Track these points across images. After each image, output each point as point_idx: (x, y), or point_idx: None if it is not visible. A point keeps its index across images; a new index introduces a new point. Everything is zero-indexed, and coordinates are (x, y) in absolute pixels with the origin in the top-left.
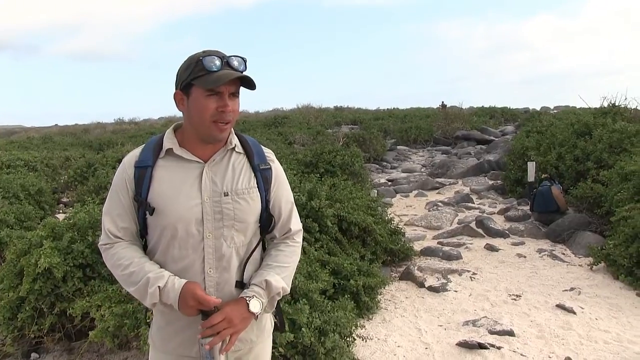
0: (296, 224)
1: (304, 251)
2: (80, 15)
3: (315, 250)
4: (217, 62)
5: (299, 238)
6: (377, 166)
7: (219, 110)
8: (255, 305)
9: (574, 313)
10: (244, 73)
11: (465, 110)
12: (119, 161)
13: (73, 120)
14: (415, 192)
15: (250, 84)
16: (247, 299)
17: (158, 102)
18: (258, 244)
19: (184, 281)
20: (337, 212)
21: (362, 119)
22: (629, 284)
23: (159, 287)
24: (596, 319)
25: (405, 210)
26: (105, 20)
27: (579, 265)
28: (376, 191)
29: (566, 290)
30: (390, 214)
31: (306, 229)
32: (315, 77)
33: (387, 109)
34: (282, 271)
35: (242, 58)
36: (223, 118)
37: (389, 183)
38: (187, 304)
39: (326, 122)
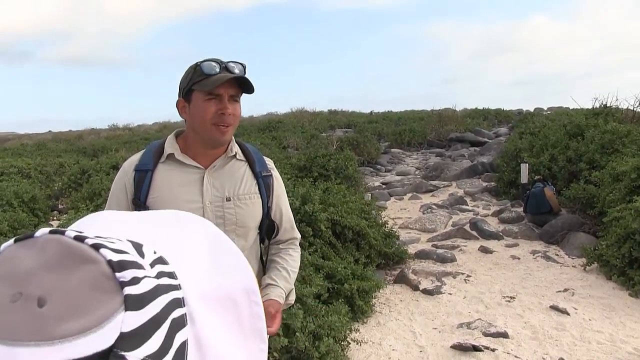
0: (297, 232)
1: None
2: (73, 21)
3: (309, 254)
4: (216, 67)
5: (298, 244)
6: (372, 169)
7: (218, 112)
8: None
9: (568, 314)
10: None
11: (459, 112)
12: (113, 167)
13: (67, 126)
14: (410, 195)
15: (248, 87)
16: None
17: (152, 108)
18: (258, 250)
19: None
20: (330, 216)
21: (356, 122)
22: (621, 284)
23: None
24: (589, 319)
25: (400, 213)
26: (97, 26)
27: (573, 266)
28: (370, 194)
29: (560, 291)
30: (384, 217)
31: (300, 233)
32: (309, 80)
33: (381, 112)
34: (294, 278)
35: (242, 64)
36: (223, 120)
37: (383, 186)
38: None
39: (320, 125)
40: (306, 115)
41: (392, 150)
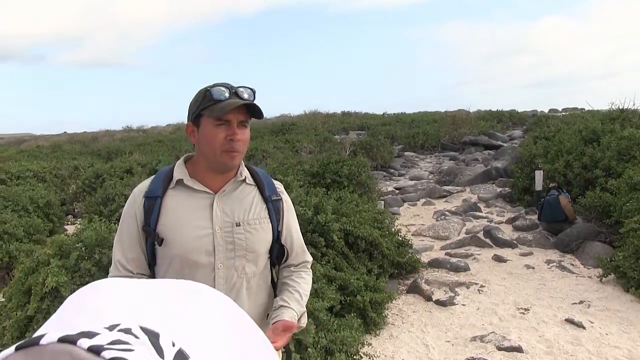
0: (309, 255)
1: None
2: (88, 23)
3: (322, 265)
4: (225, 92)
5: (310, 267)
6: (385, 173)
7: (227, 139)
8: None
9: (584, 328)
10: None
11: (472, 113)
12: (127, 171)
13: (82, 128)
14: (423, 200)
15: (257, 113)
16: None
17: (165, 109)
18: (269, 275)
19: None
20: (343, 227)
21: (370, 125)
22: (639, 297)
23: None
24: (606, 334)
25: (413, 220)
26: (112, 29)
27: (588, 276)
28: (382, 202)
29: (575, 303)
30: (397, 225)
31: (312, 244)
32: (322, 81)
33: (394, 113)
34: (305, 300)
35: (251, 89)
36: (232, 147)
37: (397, 191)
38: None
39: (333, 127)
40: (319, 117)
41: (406, 153)
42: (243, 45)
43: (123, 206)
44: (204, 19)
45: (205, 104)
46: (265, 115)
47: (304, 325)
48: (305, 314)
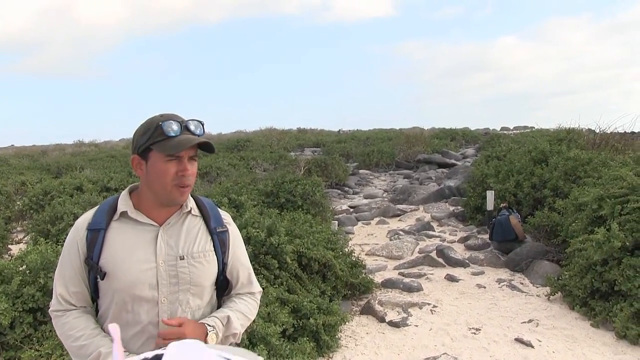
0: (257, 286)
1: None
2: (42, 31)
3: (275, 288)
4: (176, 127)
5: (259, 298)
6: (339, 192)
7: (179, 174)
8: (212, 339)
9: (532, 347)
10: (202, 137)
11: (427, 131)
12: (77, 188)
13: (31, 141)
14: (377, 219)
15: (209, 148)
16: (208, 328)
17: (119, 123)
18: (215, 307)
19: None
20: (296, 248)
21: (325, 142)
22: (583, 315)
23: None
24: (553, 351)
25: (367, 239)
26: (67, 38)
27: (537, 295)
28: (336, 223)
29: (524, 322)
30: (351, 245)
31: (265, 266)
32: (279, 96)
33: (350, 130)
34: (241, 318)
35: (200, 122)
36: (183, 182)
37: (351, 210)
38: None
39: (289, 144)
40: (275, 134)
41: (361, 171)
42: (201, 58)
43: (72, 225)
44: (163, 29)
45: (155, 139)
46: (221, 130)
47: (235, 333)
48: (237, 322)
